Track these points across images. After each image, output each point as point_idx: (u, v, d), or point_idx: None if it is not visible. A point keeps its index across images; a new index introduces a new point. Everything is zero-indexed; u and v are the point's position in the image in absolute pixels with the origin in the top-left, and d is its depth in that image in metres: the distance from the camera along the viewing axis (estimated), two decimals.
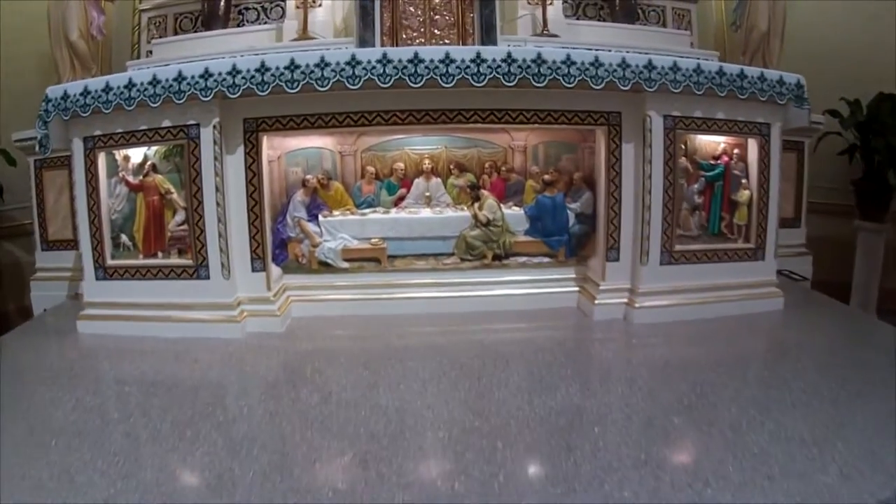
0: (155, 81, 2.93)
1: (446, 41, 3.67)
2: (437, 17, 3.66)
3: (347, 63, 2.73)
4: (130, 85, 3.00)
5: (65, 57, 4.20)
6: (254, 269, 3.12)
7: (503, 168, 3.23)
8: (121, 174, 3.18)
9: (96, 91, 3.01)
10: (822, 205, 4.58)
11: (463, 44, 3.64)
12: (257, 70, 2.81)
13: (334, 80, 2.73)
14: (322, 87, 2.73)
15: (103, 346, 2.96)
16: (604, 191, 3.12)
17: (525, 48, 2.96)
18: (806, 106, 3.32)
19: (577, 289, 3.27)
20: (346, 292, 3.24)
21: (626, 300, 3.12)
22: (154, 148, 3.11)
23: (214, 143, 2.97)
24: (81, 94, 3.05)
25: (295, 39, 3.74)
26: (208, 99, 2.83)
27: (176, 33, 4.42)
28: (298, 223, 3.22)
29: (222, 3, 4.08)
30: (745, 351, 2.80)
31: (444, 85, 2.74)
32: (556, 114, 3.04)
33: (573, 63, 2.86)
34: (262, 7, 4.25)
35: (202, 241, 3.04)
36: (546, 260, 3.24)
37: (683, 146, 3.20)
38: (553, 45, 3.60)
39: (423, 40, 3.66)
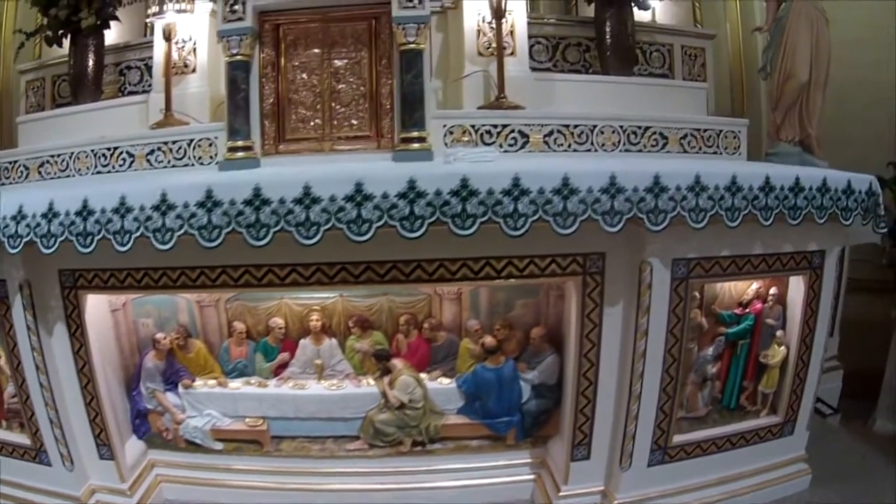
0: None
1: (353, 122, 1.92)
2: (340, 86, 1.90)
3: (201, 205, 1.34)
4: None
5: None
6: (101, 457, 1.84)
7: (426, 324, 1.77)
8: None
9: None
10: (855, 281, 2.81)
11: (377, 127, 1.90)
12: (78, 214, 1.46)
13: (180, 232, 1.36)
14: (162, 242, 1.38)
15: None
16: (573, 369, 1.65)
17: (481, 165, 1.43)
18: (882, 225, 1.70)
19: (531, 476, 1.86)
20: (226, 475, 1.89)
21: None
22: None
23: (24, 307, 1.68)
24: None
25: (157, 125, 2.08)
26: (17, 250, 1.52)
27: (54, 101, 2.68)
28: (154, 395, 1.88)
29: (90, 66, 2.33)
30: None
31: (354, 238, 1.31)
32: (499, 262, 1.51)
33: (523, 193, 1.31)
34: (146, 65, 2.43)
35: (35, 423, 1.80)
36: (488, 443, 1.85)
37: (698, 294, 1.70)
38: (516, 120, 1.87)
39: (319, 121, 1.91)
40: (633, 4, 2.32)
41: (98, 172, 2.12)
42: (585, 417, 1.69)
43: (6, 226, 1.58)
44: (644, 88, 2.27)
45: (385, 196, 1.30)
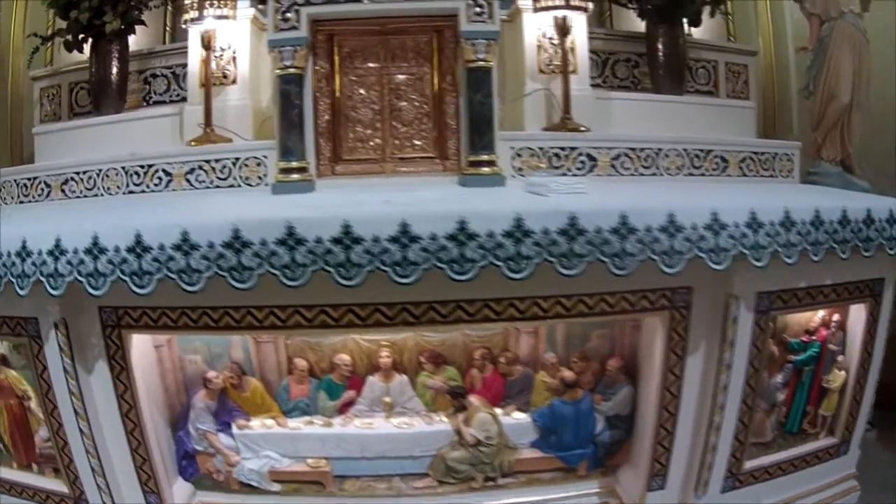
0: None
1: (416, 143, 1.82)
2: (402, 103, 1.80)
3: (281, 243, 1.22)
4: None
5: None
6: None
7: (502, 359, 1.71)
8: None
9: None
10: None
11: (442, 149, 1.80)
12: (131, 250, 1.30)
13: (259, 271, 1.25)
14: (240, 282, 1.25)
15: None
16: (655, 402, 1.63)
17: (584, 201, 1.36)
18: None
19: None
20: None
21: None
22: None
23: (61, 349, 1.51)
24: None
25: (195, 141, 1.91)
26: (59, 291, 1.36)
27: (72, 110, 2.43)
28: (205, 436, 1.74)
29: (114, 73, 2.12)
30: None
31: (456, 277, 1.23)
32: (592, 299, 1.48)
33: (630, 231, 1.26)
34: (173, 73, 2.24)
35: (74, 471, 1.65)
36: (559, 475, 1.82)
37: (772, 324, 1.69)
38: (585, 142, 1.83)
39: (378, 141, 1.81)
40: (685, 20, 2.35)
41: (130, 192, 1.93)
42: (664, 448, 1.67)
43: (43, 262, 1.40)
44: (696, 110, 2.22)
45: (490, 235, 1.22)
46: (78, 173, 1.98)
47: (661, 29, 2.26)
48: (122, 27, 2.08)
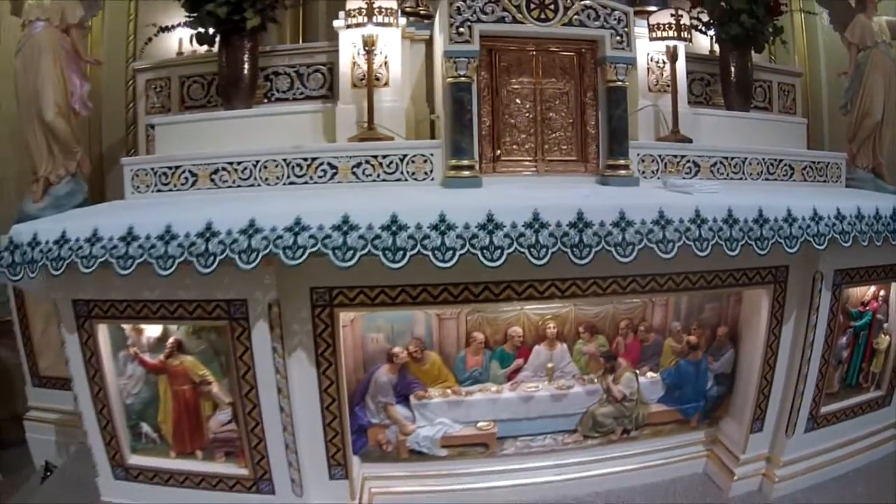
0: (169, 237, 1.76)
1: (563, 147, 2.40)
2: (551, 114, 2.37)
3: (528, 226, 1.73)
4: (130, 237, 1.79)
5: (39, 141, 2.80)
6: (332, 477, 2.14)
7: (641, 327, 2.33)
8: (132, 350, 2.06)
9: (77, 242, 1.81)
10: None
11: (584, 153, 2.38)
12: (386, 228, 1.73)
13: (510, 250, 1.70)
14: (491, 260, 1.71)
15: None
16: (759, 358, 2.33)
17: (734, 197, 2.03)
18: None
19: (705, 452, 2.53)
20: (443, 482, 2.28)
21: (763, 472, 2.44)
22: None
23: (272, 328, 1.92)
24: (56, 243, 1.83)
25: (359, 138, 2.37)
26: (298, 261, 1.69)
27: (183, 102, 2.83)
28: (385, 409, 2.21)
29: (246, 69, 2.51)
30: None
31: (662, 256, 1.82)
32: (724, 274, 2.16)
33: (765, 221, 1.95)
34: (297, 72, 2.70)
35: (262, 451, 2.05)
36: (676, 426, 2.48)
37: (841, 296, 2.47)
38: (692, 152, 2.52)
39: (531, 145, 2.36)
40: (752, 47, 3.09)
41: (291, 183, 2.34)
42: (763, 396, 2.39)
43: (278, 237, 1.74)
44: (759, 126, 3.00)
45: (681, 221, 1.86)
46: (231, 163, 2.34)
47: (734, 54, 3.03)
48: (260, 23, 2.49)
